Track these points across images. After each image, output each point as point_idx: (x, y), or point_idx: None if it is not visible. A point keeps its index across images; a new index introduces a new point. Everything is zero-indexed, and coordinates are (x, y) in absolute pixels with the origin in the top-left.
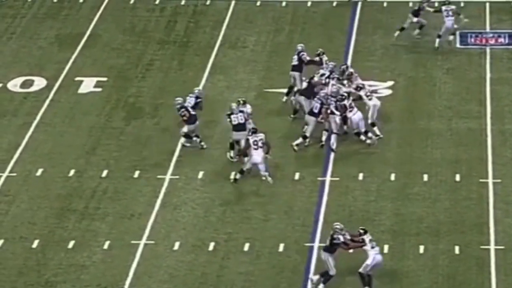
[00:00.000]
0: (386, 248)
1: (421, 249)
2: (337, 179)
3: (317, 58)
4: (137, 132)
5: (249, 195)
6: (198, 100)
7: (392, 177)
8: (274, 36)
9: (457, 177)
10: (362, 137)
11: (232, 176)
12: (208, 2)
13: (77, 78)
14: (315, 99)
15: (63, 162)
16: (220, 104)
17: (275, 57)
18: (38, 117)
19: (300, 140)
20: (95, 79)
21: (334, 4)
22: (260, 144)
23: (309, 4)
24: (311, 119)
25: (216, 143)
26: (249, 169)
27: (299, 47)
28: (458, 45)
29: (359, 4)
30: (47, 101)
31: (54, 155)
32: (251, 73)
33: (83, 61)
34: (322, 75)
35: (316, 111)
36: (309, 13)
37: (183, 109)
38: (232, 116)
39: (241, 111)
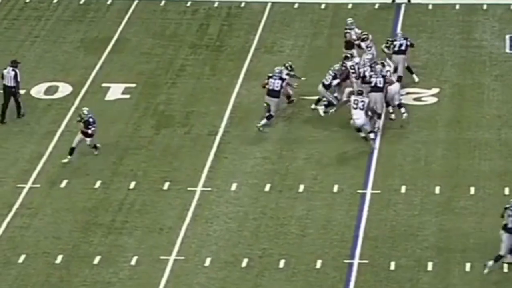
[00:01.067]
0: (430, 265)
1: (468, 266)
2: (378, 192)
3: (357, 42)
4: (167, 142)
5: (285, 209)
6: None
7: (437, 190)
8: (312, 40)
9: (506, 191)
10: (390, 109)
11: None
12: (242, 4)
13: (104, 84)
14: (375, 74)
15: (89, 173)
16: (255, 112)
17: (313, 62)
18: (62, 126)
19: (378, 122)
20: (123, 86)
21: (376, 6)
22: (360, 105)
23: (349, 6)
24: (378, 95)
25: (249, 154)
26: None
27: (348, 21)
28: (507, 50)
29: (403, 6)
30: (72, 109)
31: (79, 165)
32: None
33: (110, 66)
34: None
35: (381, 85)
36: (350, 15)
37: (95, 124)
38: (270, 80)
39: (281, 79)
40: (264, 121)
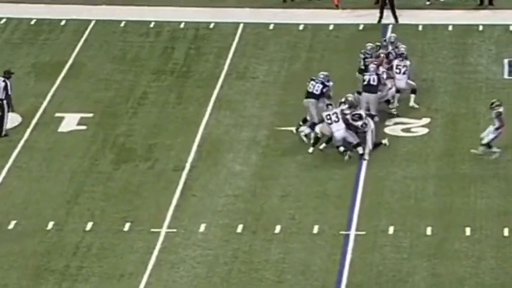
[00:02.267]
0: None
1: None
2: (363, 233)
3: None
4: (128, 178)
5: (259, 252)
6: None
7: (428, 230)
8: (289, 64)
9: (505, 232)
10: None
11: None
12: (211, 25)
13: (58, 114)
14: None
15: (40, 213)
16: (225, 144)
17: (290, 89)
18: (11, 160)
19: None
20: (78, 116)
21: (361, 27)
22: (334, 118)
23: (330, 27)
24: (371, 96)
25: (219, 191)
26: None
27: (368, 47)
28: (506, 76)
29: (390, 27)
30: (22, 141)
31: (29, 204)
32: (262, 108)
33: (64, 94)
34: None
35: (375, 83)
36: (331, 37)
37: None
38: (311, 82)
39: (323, 84)
40: (307, 130)
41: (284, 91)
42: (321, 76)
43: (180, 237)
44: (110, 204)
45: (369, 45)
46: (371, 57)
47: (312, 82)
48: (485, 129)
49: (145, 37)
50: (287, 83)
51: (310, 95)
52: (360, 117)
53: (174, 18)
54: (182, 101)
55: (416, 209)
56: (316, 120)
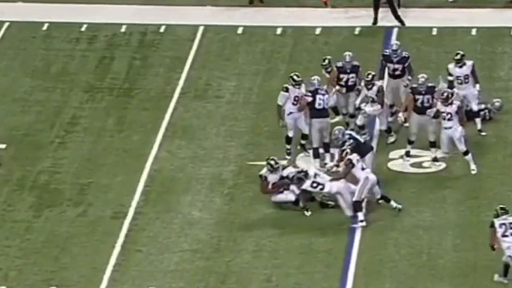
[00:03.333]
0: None
1: None
2: None
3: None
4: (53, 228)
5: None
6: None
7: None
8: (264, 80)
9: None
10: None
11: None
12: (162, 29)
13: None
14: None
15: None
16: (180, 184)
17: (264, 112)
18: None
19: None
20: None
21: (356, 31)
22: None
23: (317, 31)
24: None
25: (173, 245)
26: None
27: (347, 57)
28: None
29: (395, 31)
30: None
31: None
32: (229, 137)
33: None
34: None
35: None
36: (318, 44)
37: None
38: (317, 97)
39: (326, 91)
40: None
41: (257, 114)
42: (317, 83)
43: None
44: (29, 262)
45: (348, 55)
46: (350, 70)
47: (319, 96)
48: None
49: (75, 44)
50: (261, 104)
51: (324, 112)
52: (305, 176)
53: (113, 20)
54: (123, 128)
55: (429, 268)
56: (327, 140)
